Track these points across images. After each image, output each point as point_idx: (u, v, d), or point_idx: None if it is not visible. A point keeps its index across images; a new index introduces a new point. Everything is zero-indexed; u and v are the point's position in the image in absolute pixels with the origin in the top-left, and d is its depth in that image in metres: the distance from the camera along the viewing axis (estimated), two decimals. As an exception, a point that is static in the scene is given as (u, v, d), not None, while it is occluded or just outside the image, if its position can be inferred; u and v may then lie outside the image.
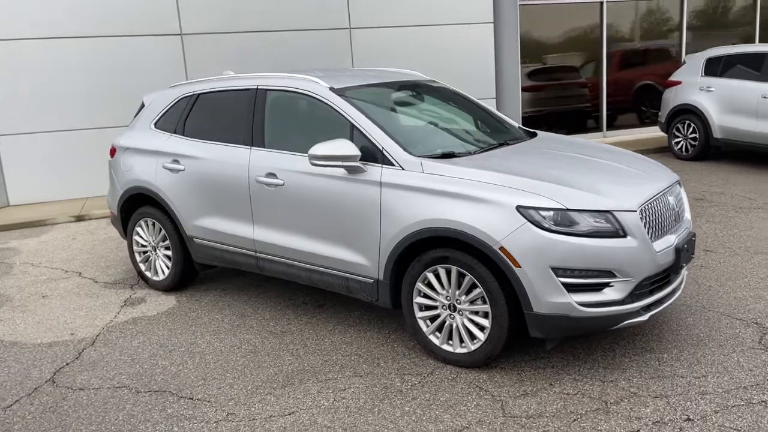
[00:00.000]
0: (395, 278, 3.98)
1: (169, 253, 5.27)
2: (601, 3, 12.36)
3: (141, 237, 5.44)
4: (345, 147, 3.95)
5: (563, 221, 3.44)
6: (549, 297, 3.43)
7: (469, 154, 4.12)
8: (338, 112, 4.26)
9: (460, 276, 3.70)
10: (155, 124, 5.37)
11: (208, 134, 4.97)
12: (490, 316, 3.62)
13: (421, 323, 3.93)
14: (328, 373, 3.83)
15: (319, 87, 4.43)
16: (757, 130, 9.00)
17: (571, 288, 3.43)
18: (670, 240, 3.73)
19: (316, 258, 4.31)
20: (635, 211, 3.53)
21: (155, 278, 5.43)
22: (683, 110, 10.14)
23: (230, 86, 4.92)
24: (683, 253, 3.77)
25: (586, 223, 3.44)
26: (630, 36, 12.84)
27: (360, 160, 4.02)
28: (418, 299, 3.91)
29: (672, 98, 10.35)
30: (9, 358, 4.29)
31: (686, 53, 12.98)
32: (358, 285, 4.16)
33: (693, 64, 10.23)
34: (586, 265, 3.41)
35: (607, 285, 3.46)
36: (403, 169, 3.90)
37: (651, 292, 3.65)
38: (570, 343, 4.02)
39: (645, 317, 3.59)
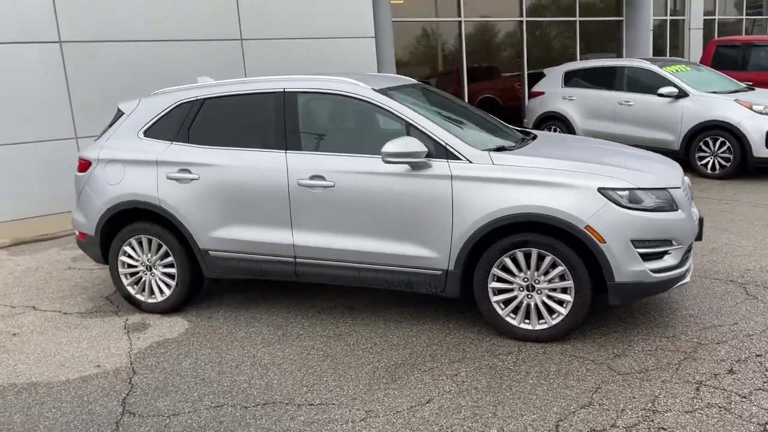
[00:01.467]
0: (466, 267, 4.18)
1: (171, 270, 4.88)
2: (460, 22, 13.44)
3: (130, 257, 4.97)
4: (414, 144, 4.08)
5: (634, 199, 3.92)
6: (629, 267, 3.88)
7: (514, 147, 4.46)
8: (390, 111, 4.35)
9: (540, 257, 4.01)
10: (145, 132, 4.96)
11: (223, 140, 4.73)
12: (572, 290, 3.97)
13: (496, 307, 4.16)
14: (425, 364, 3.91)
15: (361, 88, 4.48)
16: (615, 131, 10.44)
17: (645, 257, 3.92)
18: (696, 213, 4.40)
19: (372, 256, 4.34)
20: (680, 187, 4.12)
21: (151, 300, 4.99)
22: (549, 117, 11.41)
23: (247, 90, 4.75)
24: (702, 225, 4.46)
25: (650, 199, 3.95)
26: (479, 53, 14.07)
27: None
28: (493, 284, 4.14)
29: (538, 106, 11.60)
30: (47, 399, 3.74)
31: (527, 70, 14.56)
32: (421, 278, 4.28)
33: (553, 76, 11.57)
34: (655, 236, 3.93)
35: (666, 253, 4.01)
36: (471, 162, 4.13)
37: (688, 258, 4.27)
38: (603, 314, 4.52)
39: (688, 278, 4.20)
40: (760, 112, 9.09)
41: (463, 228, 4.09)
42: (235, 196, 4.60)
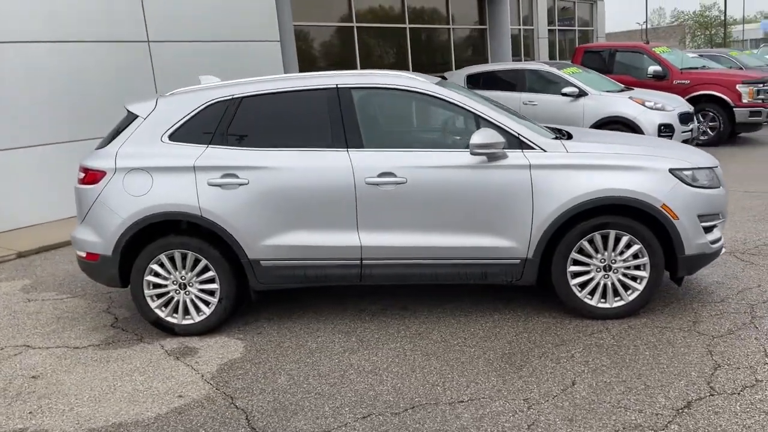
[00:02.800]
0: (544, 254, 4.29)
1: (210, 287, 4.44)
2: (353, 27, 13.53)
3: (159, 276, 4.45)
4: (496, 135, 4.13)
5: (695, 178, 4.29)
6: (696, 240, 4.24)
7: (565, 138, 4.66)
8: (456, 104, 4.35)
9: (617, 238, 4.24)
10: (170, 136, 4.47)
11: (271, 141, 4.41)
12: (648, 266, 4.25)
13: (574, 290, 4.33)
14: (533, 351, 3.96)
15: (420, 82, 4.42)
16: (522, 130, 11.15)
17: (706, 230, 4.31)
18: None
19: (447, 251, 4.31)
20: (718, 167, 4.58)
21: (186, 322, 4.50)
22: (455, 118, 11.88)
23: (293, 87, 4.47)
24: None
25: (704, 178, 4.35)
26: (372, 57, 14.30)
27: (499, 147, 4.22)
28: (572, 268, 4.30)
29: (441, 109, 12.03)
30: (155, 438, 3.26)
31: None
32: (498, 269, 4.32)
33: (455, 80, 12.06)
34: (711, 210, 4.33)
35: (715, 226, 4.43)
36: (545, 151, 4.26)
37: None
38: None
39: (724, 250, 4.67)
40: (651, 108, 10.25)
41: (544, 215, 4.20)
42: (295, 199, 4.31)
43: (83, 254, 4.56)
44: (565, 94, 10.57)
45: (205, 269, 4.44)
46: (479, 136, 4.09)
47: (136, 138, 4.50)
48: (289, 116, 4.47)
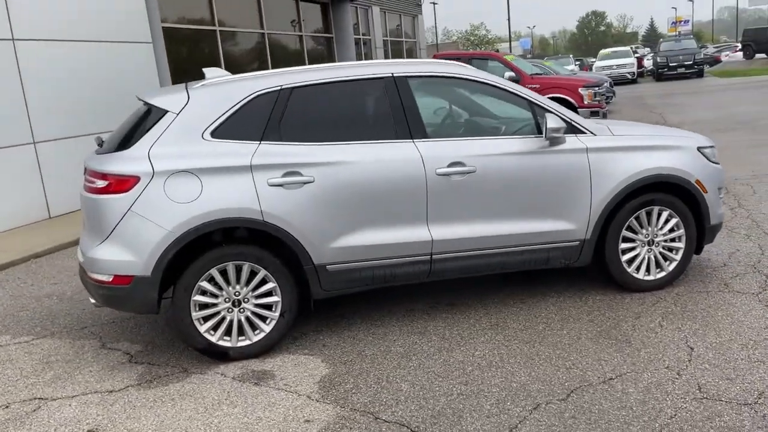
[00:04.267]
0: (599, 234, 4.46)
1: (268, 300, 3.96)
2: (215, 30, 12.81)
3: (208, 295, 3.87)
4: (559, 120, 4.22)
5: (712, 155, 4.76)
6: (717, 211, 4.70)
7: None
8: (511, 92, 4.36)
9: (659, 213, 4.54)
10: (213, 132, 3.91)
11: (330, 134, 4.06)
12: (684, 238, 4.60)
13: (625, 266, 4.55)
14: (619, 326, 4.08)
15: (473, 70, 4.37)
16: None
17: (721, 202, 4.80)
18: None
19: (515, 239, 4.29)
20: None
21: (242, 344, 3.97)
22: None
23: (346, 76, 4.15)
24: None
25: (713, 155, 4.84)
26: (237, 62, 13.66)
27: (555, 132, 4.31)
28: (622, 245, 4.53)
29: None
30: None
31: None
32: (559, 252, 4.41)
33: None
34: (723, 184, 4.83)
35: (722, 198, 4.95)
36: (595, 134, 4.44)
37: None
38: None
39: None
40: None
41: (601, 195, 4.37)
42: (364, 195, 4.01)
43: (107, 278, 3.80)
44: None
45: (262, 281, 3.95)
46: (553, 121, 4.15)
47: (171, 136, 3.86)
48: (346, 107, 4.15)
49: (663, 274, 4.62)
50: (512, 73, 13.54)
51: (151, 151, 3.82)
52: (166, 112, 3.91)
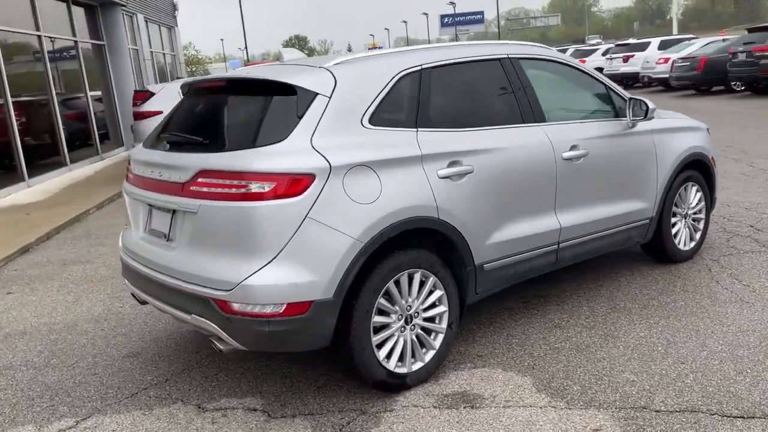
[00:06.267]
0: (660, 211, 4.74)
1: (435, 311, 3.43)
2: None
3: (383, 314, 3.22)
4: (651, 103, 4.41)
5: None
6: (717, 184, 5.35)
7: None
8: (591, 76, 4.43)
9: (692, 188, 4.99)
10: (371, 119, 3.25)
11: (471, 119, 3.68)
12: (704, 210, 5.13)
13: (674, 240, 4.90)
14: (720, 295, 4.41)
15: (559, 54, 4.33)
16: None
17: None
18: None
19: (612, 221, 4.34)
20: None
21: (417, 366, 3.34)
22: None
23: (470, 56, 3.79)
24: None
25: None
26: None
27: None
28: (673, 219, 4.88)
29: (158, 128, 10.50)
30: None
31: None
32: (637, 231, 4.58)
33: (165, 94, 10.68)
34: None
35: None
36: (652, 118, 4.72)
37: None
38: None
39: None
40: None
41: (663, 175, 4.66)
42: (512, 184, 3.72)
43: (278, 309, 2.91)
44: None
45: (430, 290, 3.40)
46: (651, 103, 4.30)
47: (329, 124, 3.11)
48: (479, 89, 3.80)
49: (693, 244, 5.08)
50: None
51: (315, 143, 3.03)
52: (316, 94, 3.14)
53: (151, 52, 19.76)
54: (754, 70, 16.21)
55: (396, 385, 3.27)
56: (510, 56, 3.97)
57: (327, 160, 2.98)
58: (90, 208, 8.81)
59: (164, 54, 21.99)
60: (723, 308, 4.07)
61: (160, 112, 10.47)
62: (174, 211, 3.25)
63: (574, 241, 4.11)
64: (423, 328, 3.38)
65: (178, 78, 17.01)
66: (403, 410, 3.15)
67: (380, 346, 3.21)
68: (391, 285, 3.19)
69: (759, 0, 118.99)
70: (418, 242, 3.33)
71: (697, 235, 5.09)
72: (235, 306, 2.93)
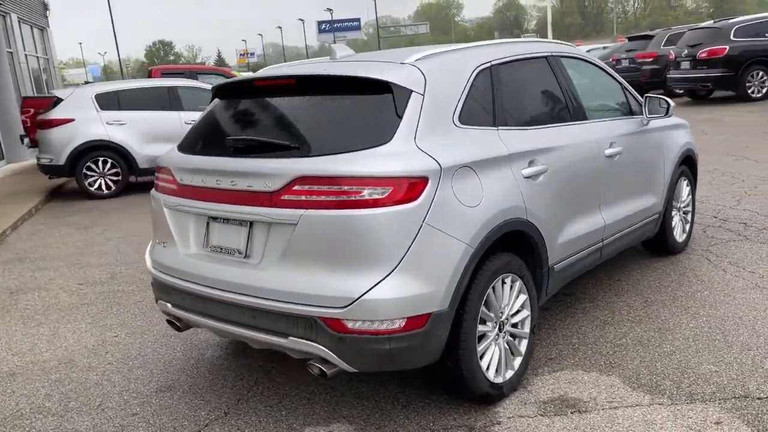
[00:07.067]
0: (666, 205, 4.90)
1: (520, 317, 3.32)
2: None
3: (483, 319, 3.07)
4: (670, 101, 4.55)
5: None
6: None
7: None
8: (610, 75, 4.51)
9: (685, 183, 5.22)
10: (459, 117, 3.07)
11: (536, 117, 3.63)
12: (691, 201, 5.40)
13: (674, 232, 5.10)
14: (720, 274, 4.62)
15: (585, 53, 4.37)
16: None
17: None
18: None
19: (635, 217, 4.43)
20: None
21: (509, 375, 3.21)
22: (96, 146, 9.68)
23: (527, 53, 3.72)
24: None
25: None
26: None
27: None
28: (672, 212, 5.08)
29: (70, 137, 9.59)
30: None
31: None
32: (649, 227, 4.71)
33: (77, 100, 9.78)
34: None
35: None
36: (671, 115, 4.84)
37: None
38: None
39: None
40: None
41: (669, 169, 4.84)
42: (573, 183, 3.71)
43: (398, 324, 2.67)
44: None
45: (517, 294, 3.28)
46: (665, 102, 4.44)
47: (426, 123, 2.91)
48: (535, 86, 3.73)
49: (685, 236, 5.32)
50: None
51: (419, 144, 2.82)
52: (411, 92, 2.92)
53: (26, 55, 18.05)
54: (637, 75, 17.48)
55: (496, 396, 3.12)
56: (553, 54, 3.94)
57: (437, 162, 2.78)
58: (5, 229, 7.82)
59: (38, 58, 20.17)
60: (746, 294, 4.26)
61: (72, 120, 9.58)
62: (251, 224, 2.90)
63: (613, 237, 4.16)
64: (511, 335, 3.25)
65: (86, 83, 15.70)
66: (510, 422, 3.00)
67: (481, 356, 3.05)
68: (490, 293, 3.04)
69: (602, 14, 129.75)
70: (506, 245, 3.19)
71: (687, 227, 5.33)
72: (350, 324, 2.65)
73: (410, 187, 2.68)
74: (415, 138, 2.82)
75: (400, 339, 2.68)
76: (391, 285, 2.65)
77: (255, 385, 3.52)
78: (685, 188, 5.21)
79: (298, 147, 2.85)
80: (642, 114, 4.52)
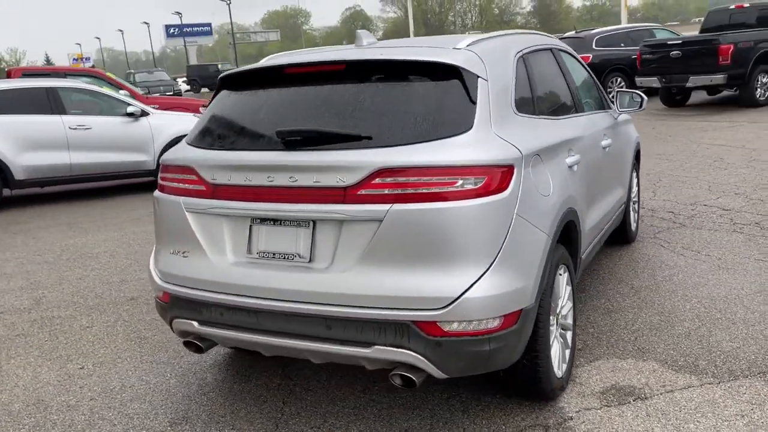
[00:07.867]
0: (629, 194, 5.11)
1: (568, 308, 3.27)
2: None
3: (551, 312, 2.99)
4: (643, 95, 4.74)
5: None
6: (636, 171, 5.97)
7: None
8: (585, 68, 4.61)
9: (636, 174, 5.50)
10: (515, 104, 2.96)
11: (561, 106, 3.64)
12: (639, 192, 5.70)
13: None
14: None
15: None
16: (74, 161, 9.08)
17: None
18: None
19: (614, 208, 4.56)
20: None
21: (564, 368, 3.15)
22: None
23: (540, 44, 3.68)
24: None
25: None
26: None
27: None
28: (629, 203, 5.31)
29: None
30: None
31: None
32: (619, 216, 4.88)
33: None
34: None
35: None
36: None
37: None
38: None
39: None
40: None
41: (630, 162, 5.06)
42: (592, 171, 3.75)
43: (495, 324, 2.50)
44: (131, 114, 9.28)
45: (566, 286, 3.23)
46: (637, 96, 4.62)
47: (495, 110, 2.76)
48: (554, 76, 3.71)
49: (635, 225, 5.60)
50: (125, 91, 12.10)
51: (497, 131, 2.66)
52: (478, 77, 2.75)
53: None
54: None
55: (557, 390, 3.03)
56: (554, 47, 3.95)
57: (518, 150, 2.64)
58: None
59: None
60: (717, 276, 4.51)
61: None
62: (315, 223, 2.59)
63: (606, 226, 4.25)
64: (563, 327, 3.19)
65: None
66: (579, 416, 2.93)
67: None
68: (554, 283, 2.95)
69: (443, 26, 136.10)
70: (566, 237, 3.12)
71: (636, 217, 5.61)
72: (447, 327, 2.43)
73: (502, 176, 2.52)
74: (491, 125, 2.66)
75: (499, 339, 2.51)
76: (491, 281, 2.47)
77: (284, 405, 3.17)
78: (635, 179, 5.48)
79: (370, 137, 2.57)
80: (611, 108, 4.68)
